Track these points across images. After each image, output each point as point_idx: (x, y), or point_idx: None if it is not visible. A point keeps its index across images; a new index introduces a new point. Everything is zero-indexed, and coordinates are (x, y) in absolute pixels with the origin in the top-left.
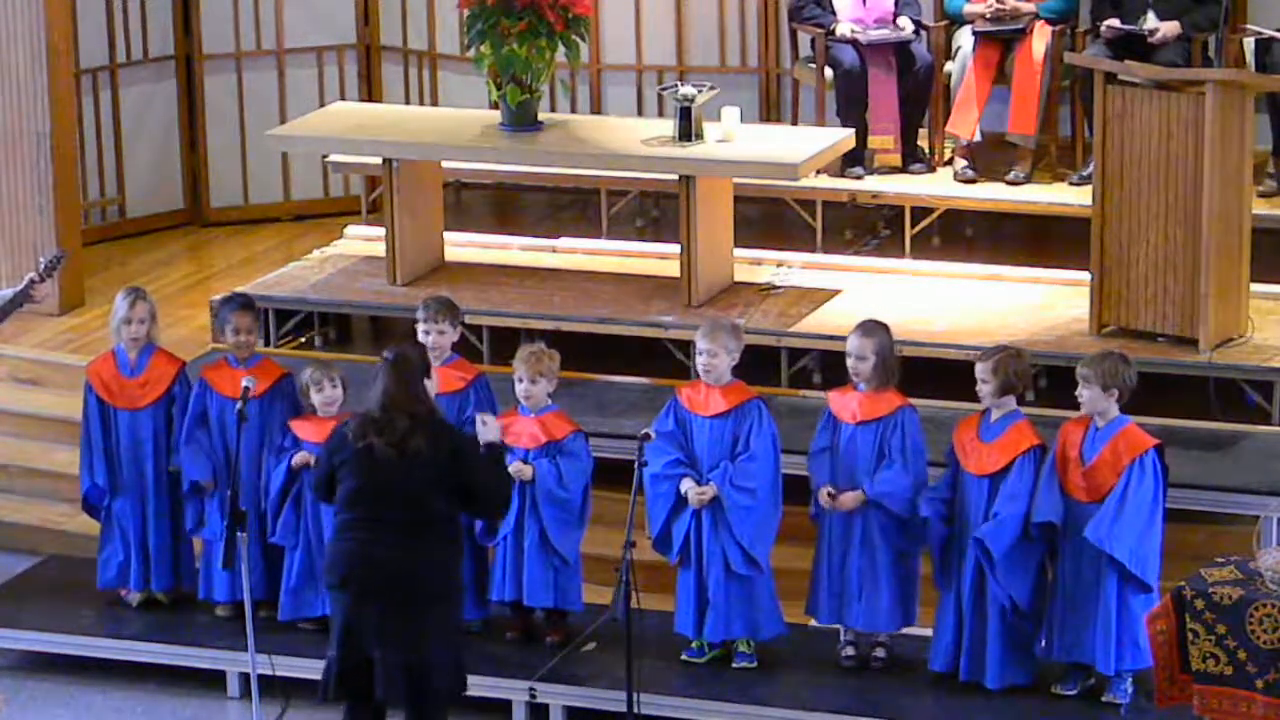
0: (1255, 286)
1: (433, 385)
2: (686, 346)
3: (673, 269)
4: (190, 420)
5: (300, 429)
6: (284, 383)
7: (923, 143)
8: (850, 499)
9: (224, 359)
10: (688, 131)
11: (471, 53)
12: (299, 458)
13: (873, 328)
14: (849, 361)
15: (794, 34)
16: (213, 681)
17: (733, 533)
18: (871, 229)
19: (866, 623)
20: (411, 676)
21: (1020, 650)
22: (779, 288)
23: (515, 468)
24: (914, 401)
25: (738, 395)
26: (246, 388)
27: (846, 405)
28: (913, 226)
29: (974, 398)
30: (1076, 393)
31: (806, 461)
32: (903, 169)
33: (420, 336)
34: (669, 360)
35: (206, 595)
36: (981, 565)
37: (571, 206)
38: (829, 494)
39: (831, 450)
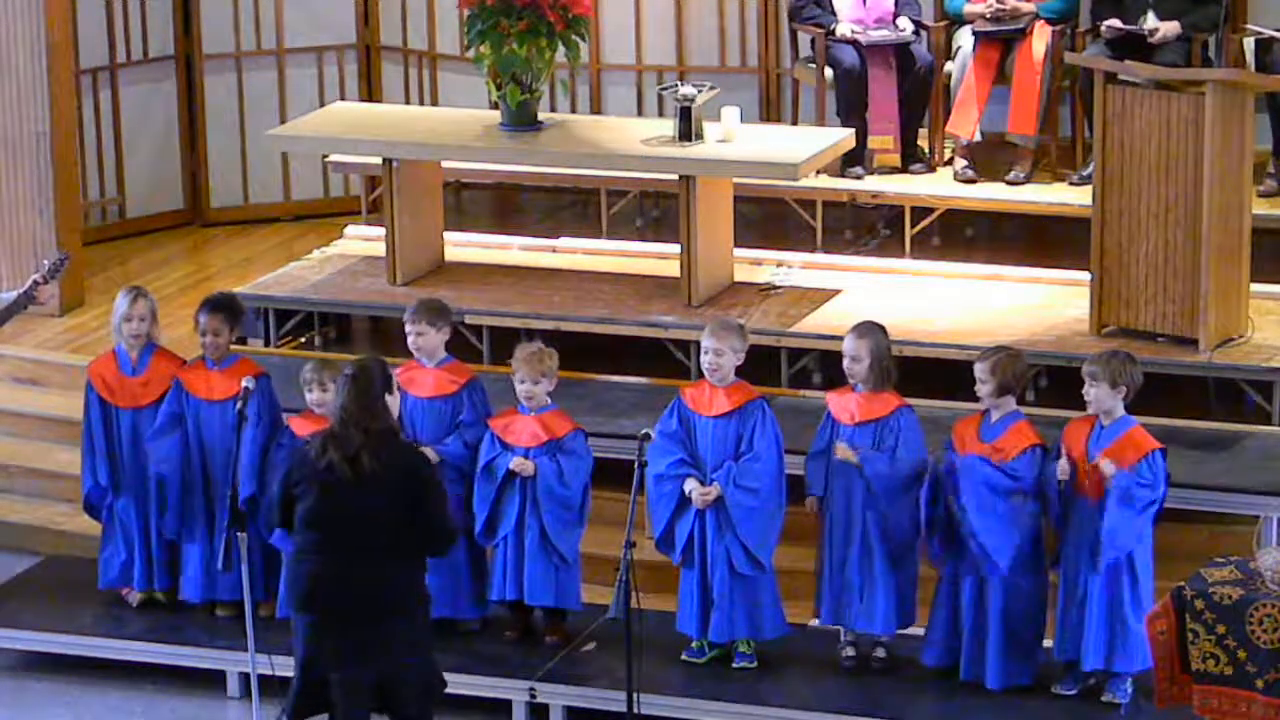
0: (1255, 286)
1: (394, 401)
2: (687, 346)
3: (673, 269)
4: (162, 420)
5: (297, 425)
6: (261, 383)
7: (923, 143)
8: (843, 450)
9: (200, 360)
10: (688, 131)
11: (471, 53)
12: None
13: (867, 329)
14: (845, 363)
15: (794, 34)
16: (213, 681)
17: (736, 533)
18: (871, 229)
19: (865, 624)
20: (381, 692)
21: (1021, 650)
22: (779, 288)
23: (517, 463)
24: (914, 401)
25: (741, 395)
26: (248, 388)
27: (845, 406)
28: (913, 226)
29: (974, 398)
30: (1084, 391)
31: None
32: (903, 169)
33: (408, 339)
34: (669, 360)
35: (186, 596)
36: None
37: (571, 206)
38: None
39: (829, 451)
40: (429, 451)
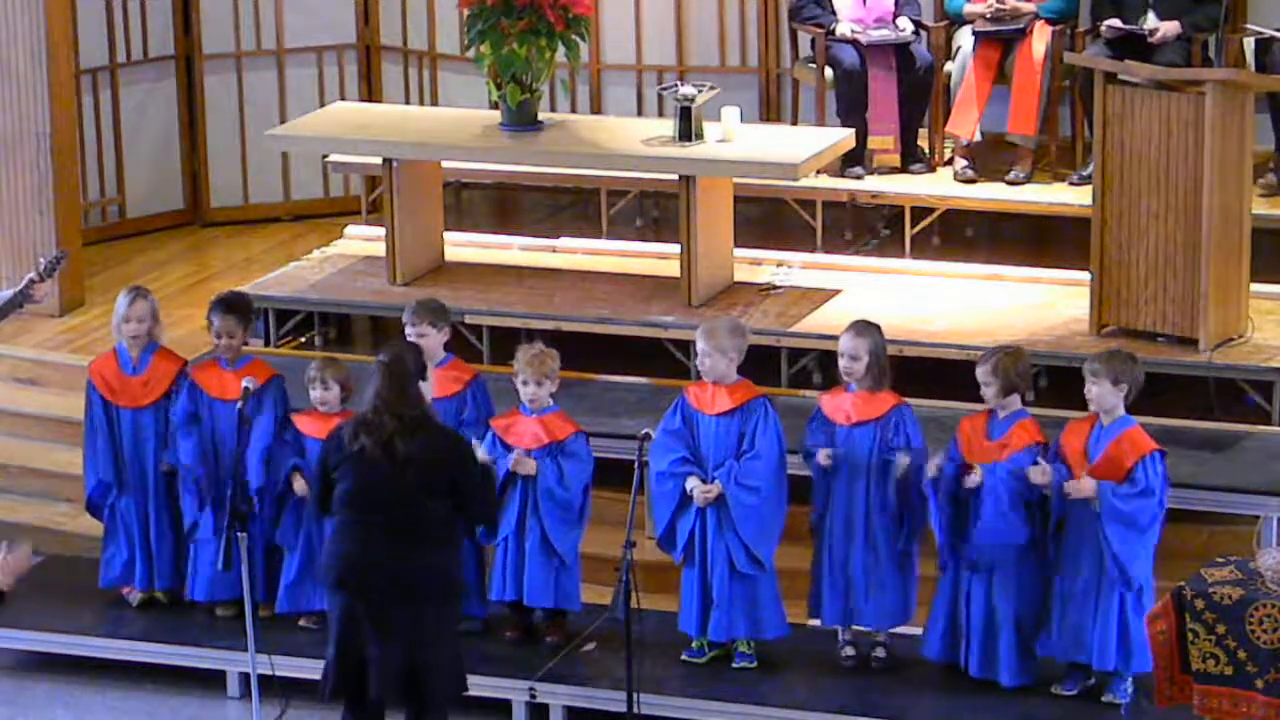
0: (1255, 286)
1: (428, 387)
2: (686, 346)
3: (673, 269)
4: (182, 418)
5: (301, 423)
6: (274, 384)
7: (923, 143)
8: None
9: (214, 360)
10: (688, 131)
11: (471, 53)
12: (298, 485)
13: (865, 328)
14: (842, 363)
15: (794, 34)
16: (213, 681)
17: (737, 531)
18: (871, 229)
19: (870, 621)
20: (412, 676)
21: (1027, 649)
22: (779, 288)
23: (517, 459)
24: (913, 401)
25: (743, 394)
26: (247, 388)
27: (840, 407)
28: (913, 226)
29: (973, 398)
30: (1085, 390)
31: (806, 462)
32: (903, 169)
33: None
34: (669, 360)
35: (195, 596)
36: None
37: (571, 206)
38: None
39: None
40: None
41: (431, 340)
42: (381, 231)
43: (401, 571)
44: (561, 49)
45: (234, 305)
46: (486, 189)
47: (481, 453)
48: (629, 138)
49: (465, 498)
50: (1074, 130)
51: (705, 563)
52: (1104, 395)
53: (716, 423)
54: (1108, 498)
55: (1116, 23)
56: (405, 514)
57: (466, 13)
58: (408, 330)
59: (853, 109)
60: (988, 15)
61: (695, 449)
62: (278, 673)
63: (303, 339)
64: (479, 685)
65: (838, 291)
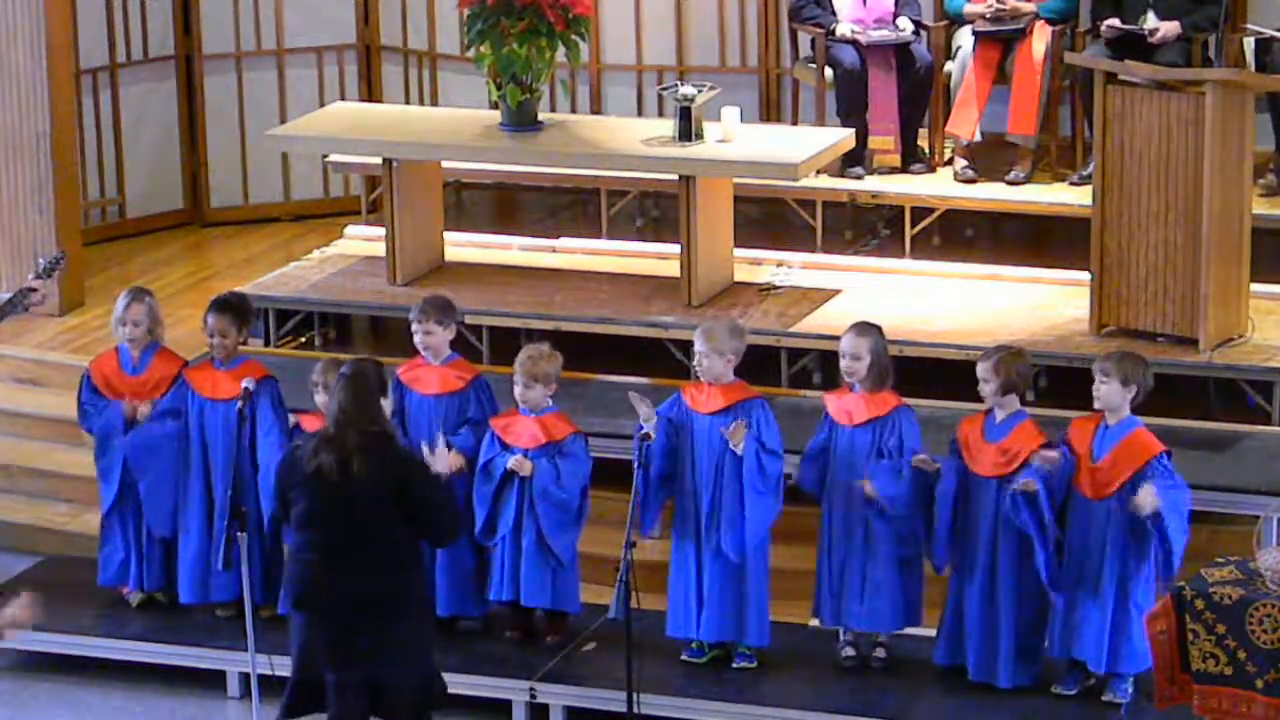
0: (1255, 286)
1: (387, 404)
2: (686, 346)
3: (673, 269)
4: (159, 411)
5: (308, 424)
6: (268, 385)
7: (923, 143)
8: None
9: (209, 359)
10: (688, 131)
11: (471, 53)
12: None
13: (866, 328)
14: (843, 363)
15: (794, 34)
16: (213, 681)
17: (740, 511)
18: (871, 229)
19: (870, 624)
20: (375, 695)
21: (1028, 651)
22: (779, 288)
23: (515, 461)
24: (914, 401)
25: (738, 394)
26: (247, 389)
27: (843, 407)
28: (913, 226)
29: (974, 398)
30: (1094, 388)
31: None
32: (903, 169)
33: (415, 337)
34: (669, 360)
35: (191, 599)
36: (992, 564)
37: (571, 206)
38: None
39: (829, 452)
40: (440, 440)
41: (438, 338)
42: (381, 231)
43: (360, 592)
44: (561, 49)
45: (227, 305)
46: (486, 189)
47: (451, 456)
48: (629, 138)
49: (424, 520)
50: (1074, 130)
51: (699, 561)
52: (1112, 394)
53: (710, 421)
54: (1164, 489)
55: (1116, 23)
56: (363, 534)
57: (466, 13)
58: (414, 328)
59: (853, 109)
60: (988, 15)
61: (691, 450)
62: (277, 673)
63: (302, 339)
64: (479, 685)
65: (838, 291)
